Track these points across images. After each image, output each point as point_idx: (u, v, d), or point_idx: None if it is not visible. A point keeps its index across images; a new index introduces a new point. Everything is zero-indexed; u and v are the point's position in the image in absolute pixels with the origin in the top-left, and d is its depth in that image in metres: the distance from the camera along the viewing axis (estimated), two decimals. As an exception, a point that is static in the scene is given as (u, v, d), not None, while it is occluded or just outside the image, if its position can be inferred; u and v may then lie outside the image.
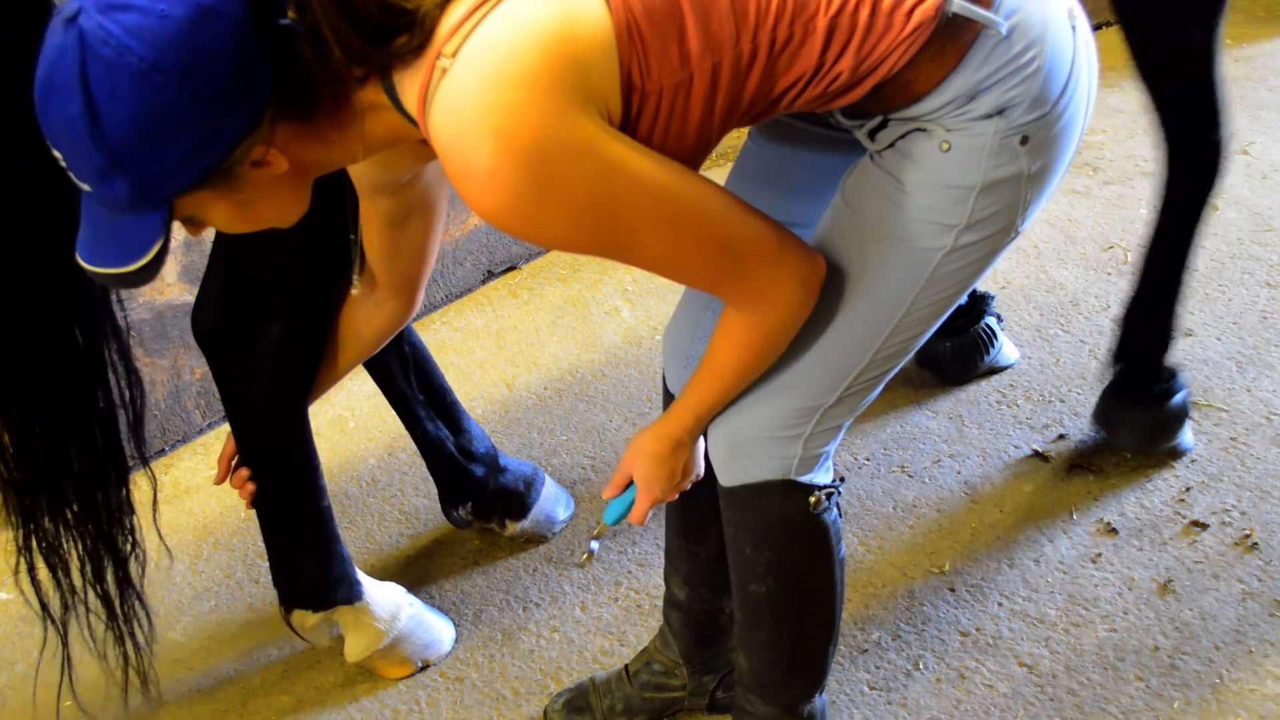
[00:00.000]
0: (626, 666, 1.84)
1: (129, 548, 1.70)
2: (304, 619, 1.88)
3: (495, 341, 2.85)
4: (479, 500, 2.15)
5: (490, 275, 3.09)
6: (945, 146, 1.22)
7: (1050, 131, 1.23)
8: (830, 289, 1.31)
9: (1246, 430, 2.36)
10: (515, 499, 2.17)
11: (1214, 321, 2.70)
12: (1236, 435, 2.35)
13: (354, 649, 1.92)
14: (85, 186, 1.05)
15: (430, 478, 2.20)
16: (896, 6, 1.15)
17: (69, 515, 1.64)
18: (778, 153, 1.48)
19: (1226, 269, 2.89)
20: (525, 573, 2.16)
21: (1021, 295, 2.85)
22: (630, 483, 1.49)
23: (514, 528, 2.19)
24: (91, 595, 1.70)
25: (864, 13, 1.14)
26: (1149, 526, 2.16)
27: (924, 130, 1.22)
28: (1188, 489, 2.23)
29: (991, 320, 2.52)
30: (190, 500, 2.40)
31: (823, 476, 1.45)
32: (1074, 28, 1.23)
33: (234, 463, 1.76)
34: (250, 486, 1.74)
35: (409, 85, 1.09)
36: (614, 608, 2.07)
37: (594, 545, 1.60)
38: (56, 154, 1.04)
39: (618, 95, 1.09)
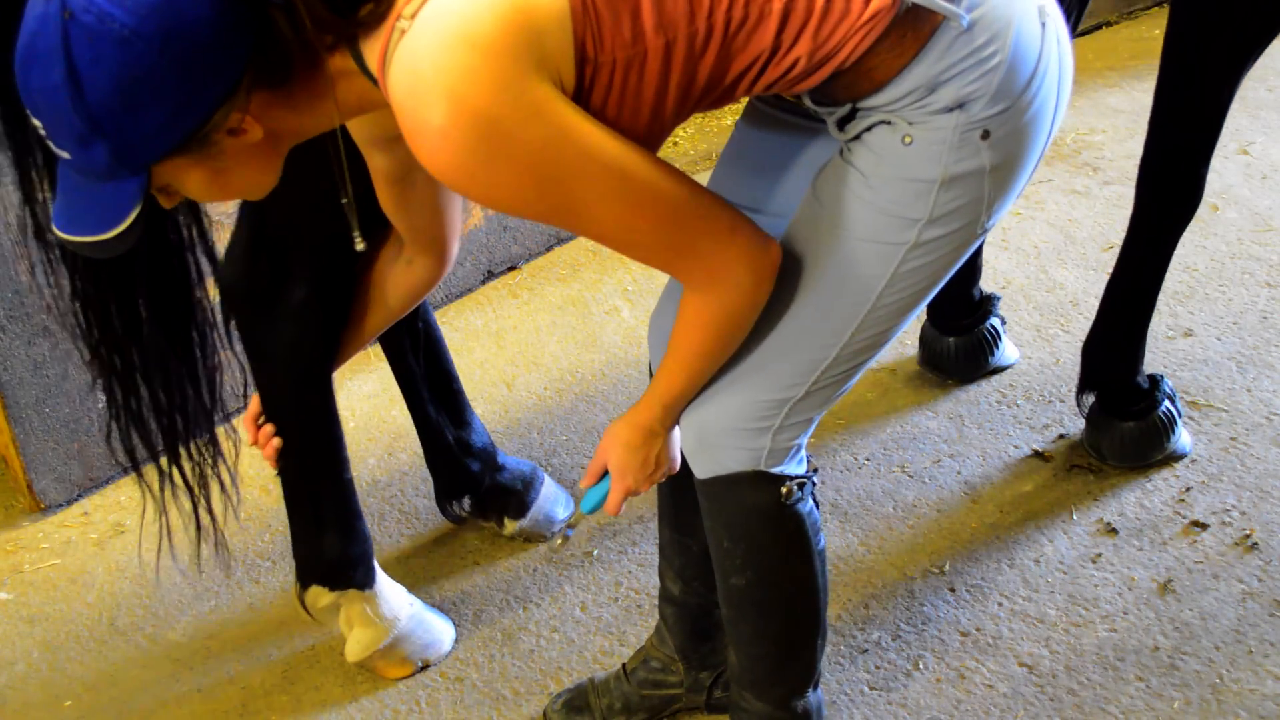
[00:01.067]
0: (624, 665, 1.84)
1: (213, 411, 1.75)
2: (318, 597, 1.88)
3: (495, 341, 2.85)
4: (476, 496, 2.16)
5: (490, 275, 3.09)
6: (907, 140, 1.22)
7: (1013, 127, 1.23)
8: (796, 281, 1.32)
9: (1246, 430, 2.36)
10: (514, 497, 2.17)
11: (1214, 321, 2.70)
12: (1236, 435, 2.35)
13: (354, 648, 1.92)
14: (64, 154, 1.07)
15: (430, 477, 2.20)
16: None
17: (157, 387, 1.67)
18: (759, 137, 1.49)
19: (1226, 269, 2.89)
20: (525, 573, 2.16)
21: (1021, 295, 2.85)
22: (606, 472, 1.49)
23: (513, 527, 2.19)
24: (179, 467, 1.75)
25: None
26: (1149, 526, 2.16)
27: (888, 123, 1.23)
28: (1188, 489, 2.23)
29: (996, 321, 2.52)
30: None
31: (795, 467, 1.45)
32: (1044, 24, 1.23)
33: (260, 422, 1.77)
34: (275, 443, 1.74)
35: (371, 49, 1.11)
36: (614, 608, 2.07)
37: (569, 531, 1.61)
38: (36, 123, 1.06)
39: (571, 64, 1.11)
